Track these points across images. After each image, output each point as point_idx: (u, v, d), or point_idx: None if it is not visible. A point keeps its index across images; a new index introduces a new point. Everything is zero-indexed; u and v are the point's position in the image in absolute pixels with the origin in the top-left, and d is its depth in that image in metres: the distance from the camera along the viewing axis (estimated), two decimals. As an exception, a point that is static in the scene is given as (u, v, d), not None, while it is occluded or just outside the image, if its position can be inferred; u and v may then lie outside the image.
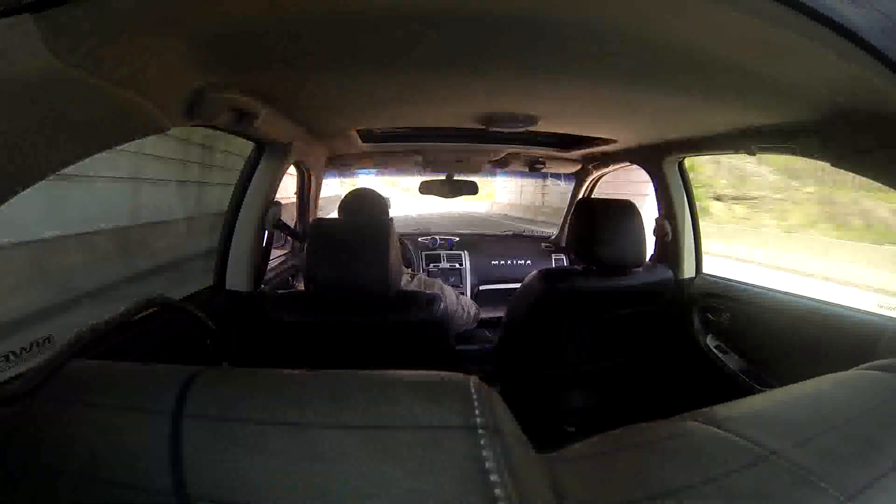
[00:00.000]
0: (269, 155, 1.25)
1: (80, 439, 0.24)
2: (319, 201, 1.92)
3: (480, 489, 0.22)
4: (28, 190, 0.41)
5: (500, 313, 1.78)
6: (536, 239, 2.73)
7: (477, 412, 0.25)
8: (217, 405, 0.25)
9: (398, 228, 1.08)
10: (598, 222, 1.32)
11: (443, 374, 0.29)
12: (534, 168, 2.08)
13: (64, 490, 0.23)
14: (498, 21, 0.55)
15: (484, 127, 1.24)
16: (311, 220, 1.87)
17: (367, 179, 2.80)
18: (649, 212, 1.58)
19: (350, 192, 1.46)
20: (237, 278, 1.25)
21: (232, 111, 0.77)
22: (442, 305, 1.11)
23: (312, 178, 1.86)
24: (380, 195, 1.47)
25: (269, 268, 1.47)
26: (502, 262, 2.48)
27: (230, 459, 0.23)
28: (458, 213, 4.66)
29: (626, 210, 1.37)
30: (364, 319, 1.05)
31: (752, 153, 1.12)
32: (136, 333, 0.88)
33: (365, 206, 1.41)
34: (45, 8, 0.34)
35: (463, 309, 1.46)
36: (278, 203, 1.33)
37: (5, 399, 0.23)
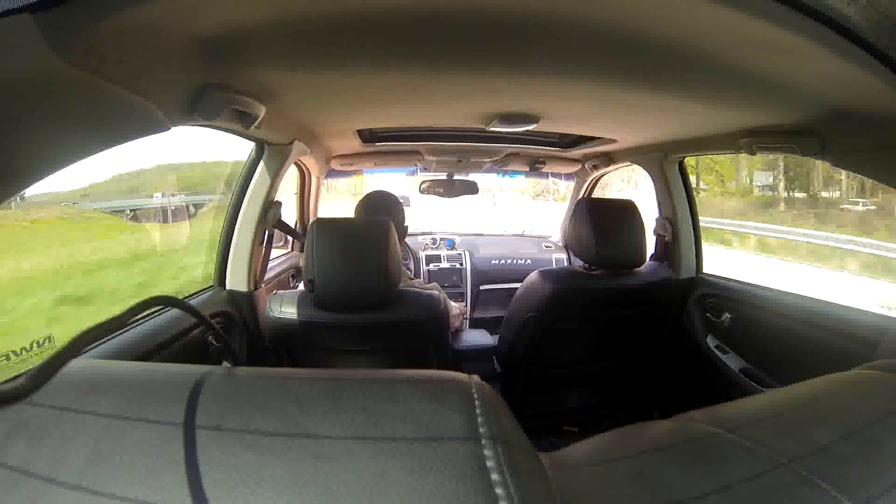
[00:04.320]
0: (269, 155, 1.25)
1: (77, 443, 0.24)
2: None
3: (481, 489, 0.22)
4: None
5: (500, 313, 1.77)
6: (537, 239, 2.73)
7: (478, 411, 0.25)
8: (227, 413, 0.25)
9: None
10: (599, 222, 1.32)
11: (443, 373, 0.29)
12: (534, 168, 2.08)
13: (57, 498, 0.22)
14: (499, 21, 0.55)
15: (484, 126, 1.24)
16: (310, 219, 1.88)
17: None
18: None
19: (366, 195, 1.49)
20: (237, 278, 1.25)
21: (232, 111, 0.77)
22: (442, 305, 1.11)
23: (312, 178, 1.86)
24: (394, 196, 1.49)
25: (269, 267, 1.47)
26: (503, 261, 2.48)
27: (245, 469, 0.22)
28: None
29: (625, 210, 1.36)
30: (364, 318, 1.05)
31: (752, 153, 1.11)
32: (137, 333, 0.88)
33: (380, 208, 1.43)
34: (45, 8, 0.34)
35: (456, 315, 1.53)
36: (278, 203, 1.33)
37: (5, 399, 0.23)
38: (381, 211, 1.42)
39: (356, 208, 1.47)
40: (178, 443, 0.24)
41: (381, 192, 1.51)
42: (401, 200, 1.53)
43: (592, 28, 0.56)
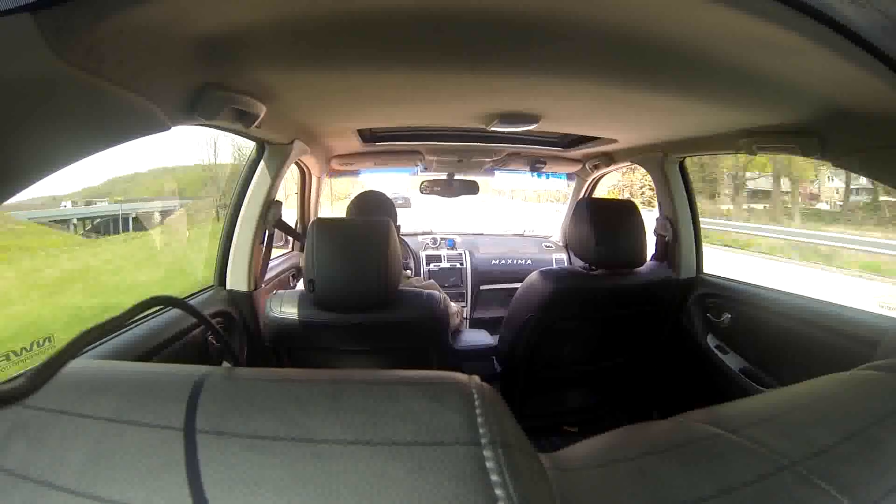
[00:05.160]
0: (269, 155, 1.25)
1: (77, 445, 0.24)
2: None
3: (481, 490, 0.22)
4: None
5: (500, 313, 1.77)
6: (537, 239, 2.73)
7: (478, 412, 0.25)
8: (227, 415, 0.25)
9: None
10: (599, 222, 1.32)
11: (443, 373, 0.29)
12: (535, 168, 2.08)
13: (56, 501, 0.22)
14: (499, 21, 0.55)
15: (485, 126, 1.24)
16: (310, 219, 1.88)
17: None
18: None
19: (358, 195, 1.49)
20: (238, 278, 1.25)
21: (232, 111, 0.77)
22: (442, 305, 1.11)
23: (313, 177, 1.86)
24: (386, 197, 1.49)
25: (269, 267, 1.47)
26: (503, 261, 2.48)
27: (246, 470, 0.22)
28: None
29: (626, 210, 1.36)
30: (363, 318, 1.05)
31: (752, 153, 1.11)
32: (137, 333, 0.88)
33: (373, 208, 1.43)
34: (45, 8, 0.34)
35: (454, 313, 1.52)
36: (279, 202, 1.33)
37: (4, 400, 0.23)
38: (373, 211, 1.42)
39: (347, 208, 1.47)
40: (178, 444, 0.24)
41: (374, 191, 1.51)
42: (401, 202, 1.52)
43: (593, 28, 0.56)
